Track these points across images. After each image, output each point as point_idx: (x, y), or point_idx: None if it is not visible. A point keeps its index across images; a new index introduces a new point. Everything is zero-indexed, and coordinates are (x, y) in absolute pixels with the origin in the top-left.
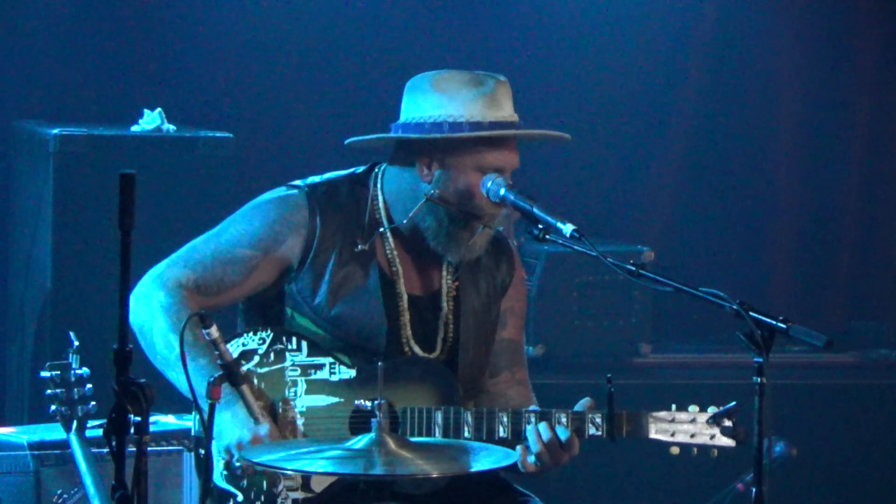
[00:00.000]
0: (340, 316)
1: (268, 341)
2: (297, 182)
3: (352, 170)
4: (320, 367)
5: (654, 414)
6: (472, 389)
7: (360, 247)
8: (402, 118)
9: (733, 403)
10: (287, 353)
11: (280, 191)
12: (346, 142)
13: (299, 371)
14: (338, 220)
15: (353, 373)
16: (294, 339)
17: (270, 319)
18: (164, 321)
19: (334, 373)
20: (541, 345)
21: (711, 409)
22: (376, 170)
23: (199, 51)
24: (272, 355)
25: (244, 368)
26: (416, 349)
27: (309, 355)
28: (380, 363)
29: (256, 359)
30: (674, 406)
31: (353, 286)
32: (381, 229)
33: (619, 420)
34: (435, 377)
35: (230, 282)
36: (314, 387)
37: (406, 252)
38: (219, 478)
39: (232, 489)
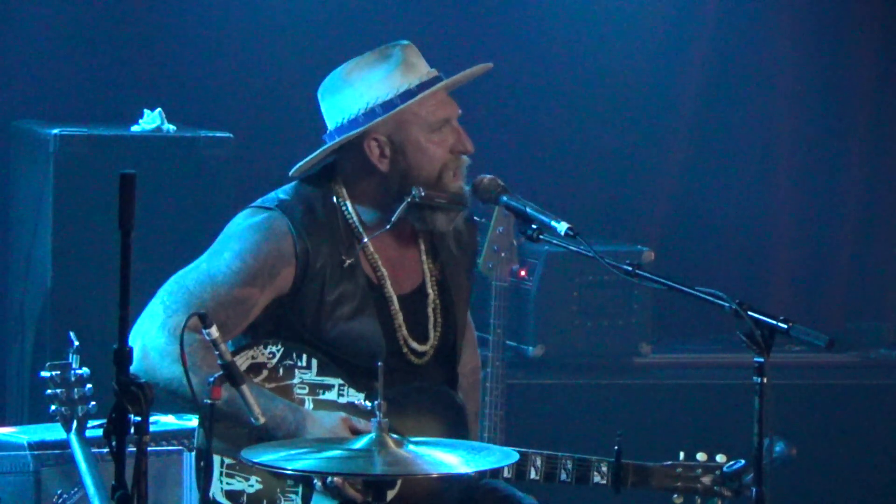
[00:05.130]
0: (339, 337)
1: (277, 356)
2: (267, 202)
3: (311, 179)
4: (329, 387)
5: (660, 466)
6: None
7: (347, 262)
8: (332, 125)
9: (743, 463)
10: (296, 371)
11: (258, 215)
12: (291, 173)
13: (307, 389)
14: (322, 241)
15: (361, 397)
16: (304, 357)
17: (281, 331)
18: (195, 374)
19: (343, 395)
20: (541, 345)
21: (720, 458)
22: (335, 176)
23: (199, 51)
24: (281, 371)
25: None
26: (413, 344)
27: (318, 374)
28: (379, 363)
29: (265, 373)
30: (682, 454)
31: (346, 305)
32: (365, 240)
33: (624, 472)
34: (444, 407)
35: (233, 324)
36: (321, 407)
37: (385, 251)
38: (218, 493)
39: None
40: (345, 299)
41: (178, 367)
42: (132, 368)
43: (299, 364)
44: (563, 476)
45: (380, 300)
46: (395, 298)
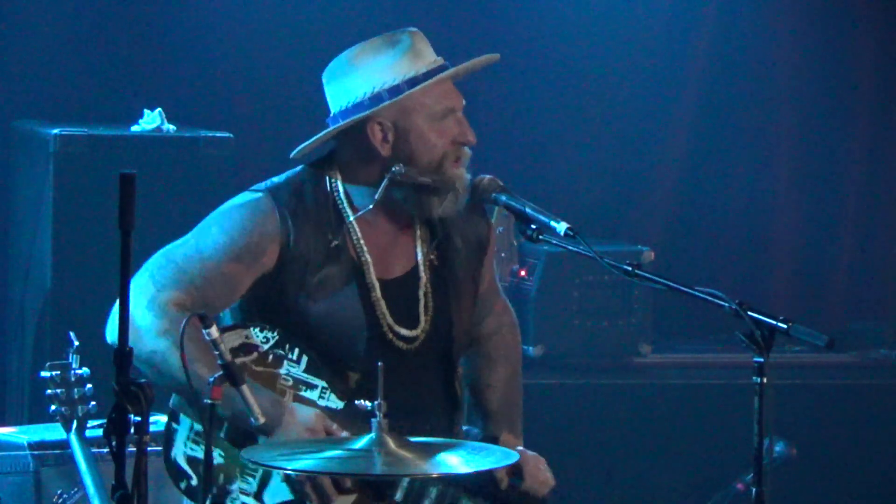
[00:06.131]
0: (320, 318)
1: (271, 342)
2: (259, 186)
3: (309, 165)
4: (313, 387)
5: None
6: (464, 348)
7: (333, 243)
8: (336, 108)
9: None
10: (285, 362)
11: (247, 196)
12: (292, 155)
13: (291, 382)
14: (308, 221)
15: (341, 405)
16: (296, 351)
17: (266, 314)
18: (178, 350)
19: (323, 398)
20: (541, 345)
21: None
22: (333, 160)
23: (199, 51)
24: (270, 357)
25: (240, 360)
26: (400, 330)
27: (305, 371)
28: (379, 363)
29: (255, 355)
30: None
31: (329, 287)
32: (350, 219)
33: None
34: (434, 412)
35: (220, 301)
36: (300, 402)
37: (374, 235)
38: (180, 456)
39: (189, 471)
40: (328, 281)
41: (162, 342)
42: (114, 339)
43: (290, 356)
44: None
45: (362, 285)
46: (376, 285)
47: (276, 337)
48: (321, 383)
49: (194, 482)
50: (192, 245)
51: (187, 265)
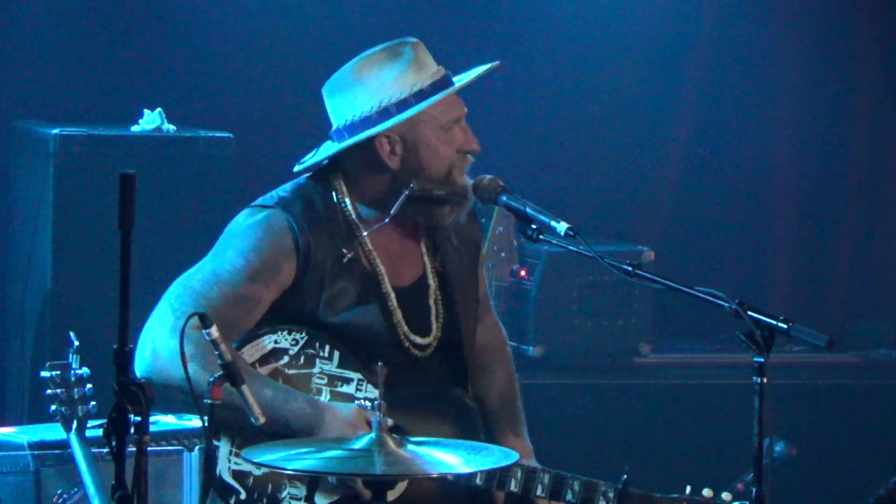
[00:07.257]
0: (338, 327)
1: (300, 343)
2: (267, 201)
3: (311, 176)
4: (348, 380)
5: (666, 498)
6: (471, 354)
7: (347, 256)
8: (340, 122)
9: None
10: (317, 360)
11: (258, 213)
12: (296, 169)
13: (326, 380)
14: (322, 236)
15: (377, 393)
16: (327, 348)
17: (291, 318)
18: (207, 372)
19: (361, 389)
20: (541, 345)
21: (726, 496)
22: (336, 171)
23: (199, 51)
24: (302, 358)
25: (273, 366)
26: (415, 339)
27: (339, 367)
28: (379, 363)
29: (286, 359)
30: (688, 488)
31: (345, 300)
32: (364, 234)
33: (630, 501)
34: (456, 415)
35: (241, 322)
36: (338, 399)
37: (384, 246)
38: (225, 472)
39: (237, 486)
40: (344, 293)
41: (192, 367)
42: (143, 372)
43: (321, 354)
44: (569, 496)
45: (378, 295)
46: (392, 295)
47: (305, 337)
48: (356, 375)
49: (243, 496)
50: (209, 269)
51: (205, 290)
